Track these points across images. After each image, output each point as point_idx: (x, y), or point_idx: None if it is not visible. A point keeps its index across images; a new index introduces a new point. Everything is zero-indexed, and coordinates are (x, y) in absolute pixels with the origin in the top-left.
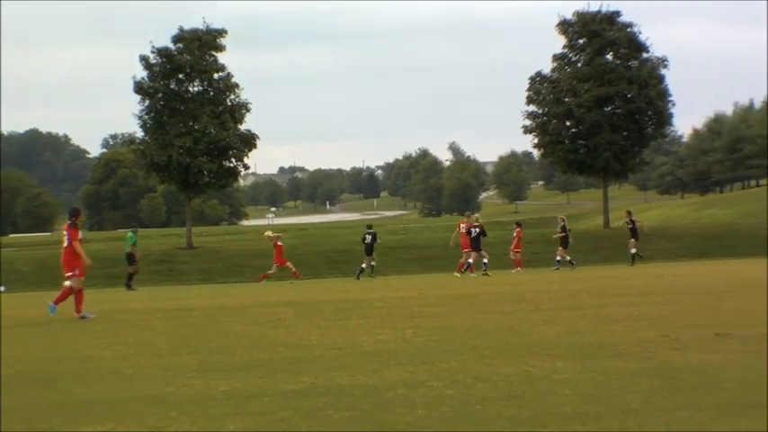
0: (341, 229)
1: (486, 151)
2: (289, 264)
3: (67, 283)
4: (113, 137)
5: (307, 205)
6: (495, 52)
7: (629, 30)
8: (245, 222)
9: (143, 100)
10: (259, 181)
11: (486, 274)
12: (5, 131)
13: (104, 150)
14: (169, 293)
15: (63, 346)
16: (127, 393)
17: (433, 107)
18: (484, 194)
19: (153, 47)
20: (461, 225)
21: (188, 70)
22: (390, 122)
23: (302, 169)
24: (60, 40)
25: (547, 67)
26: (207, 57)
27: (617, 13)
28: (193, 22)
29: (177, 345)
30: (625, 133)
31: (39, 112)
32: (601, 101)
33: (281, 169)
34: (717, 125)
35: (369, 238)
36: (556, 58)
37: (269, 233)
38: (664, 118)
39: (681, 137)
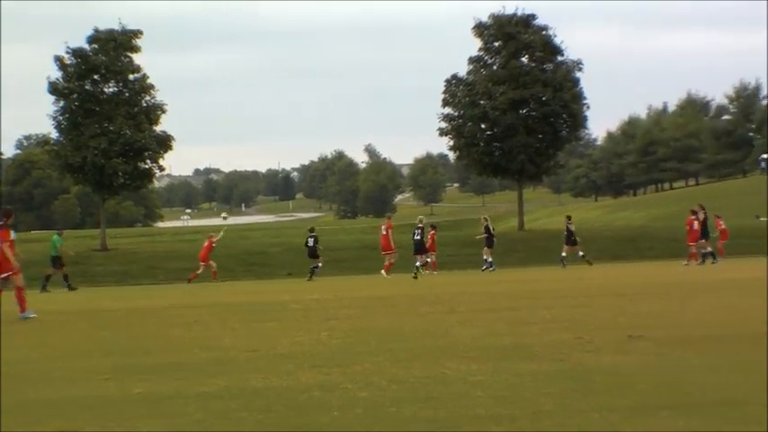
0: (256, 231)
1: (402, 153)
2: (213, 264)
3: (17, 284)
4: (27, 137)
5: (222, 207)
6: (411, 54)
7: (544, 33)
8: (159, 224)
9: (58, 101)
10: (174, 182)
11: (415, 276)
12: None
13: (18, 151)
14: (84, 295)
15: None
16: (35, 396)
17: (348, 109)
18: (399, 197)
19: (68, 47)
20: (383, 227)
21: (103, 71)
22: (306, 124)
23: (217, 171)
24: None
25: (462, 69)
26: (122, 58)
27: (532, 17)
28: (109, 22)
29: (91, 347)
30: (540, 136)
31: None
32: (516, 103)
33: (197, 171)
34: (630, 128)
35: (311, 241)
36: (471, 60)
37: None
38: (578, 121)
39: (595, 140)
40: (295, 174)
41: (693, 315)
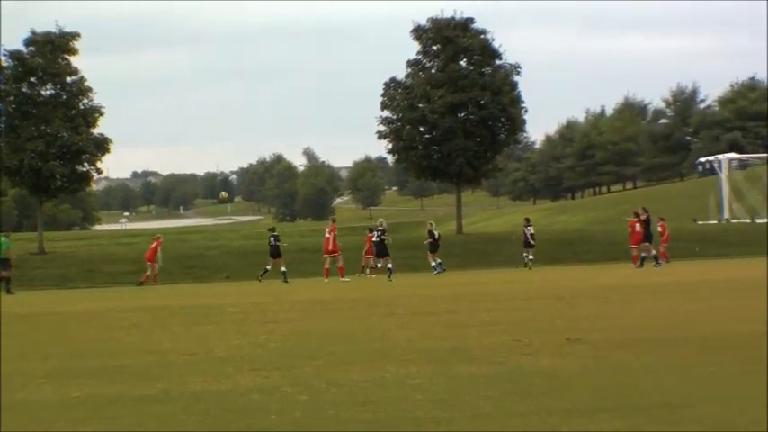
0: (194, 234)
1: (341, 156)
2: (155, 266)
3: None
4: None
5: (160, 210)
6: (350, 56)
7: (482, 36)
8: (97, 227)
9: None
10: (112, 185)
11: (390, 278)
12: None
13: None
14: (21, 299)
15: None
16: None
17: (287, 111)
18: (338, 200)
19: (5, 50)
20: (327, 230)
21: (40, 74)
22: (245, 127)
23: (156, 174)
24: None
25: (401, 72)
26: (60, 60)
27: (471, 20)
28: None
29: (28, 350)
30: (478, 139)
31: None
32: (454, 107)
33: (135, 174)
34: (569, 132)
35: (272, 240)
36: (410, 63)
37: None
38: (516, 124)
39: (533, 143)
40: (233, 177)
41: (631, 318)
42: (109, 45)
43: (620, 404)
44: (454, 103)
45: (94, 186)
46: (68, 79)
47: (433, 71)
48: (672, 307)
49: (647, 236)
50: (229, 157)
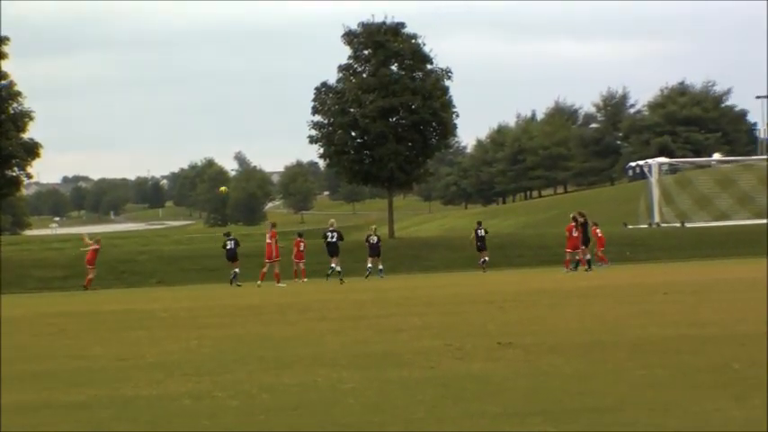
0: (125, 239)
1: (272, 161)
2: (90, 270)
3: None
4: None
5: (91, 215)
6: (280, 61)
7: (413, 41)
8: (27, 232)
9: None
10: (42, 190)
11: (342, 281)
12: None
13: None
14: None
15: None
16: None
17: (218, 116)
18: (270, 204)
19: None
20: (267, 235)
21: None
22: (176, 131)
23: (86, 179)
24: None
25: (332, 77)
26: None
27: (402, 25)
28: None
29: None
30: (410, 144)
31: None
32: (386, 111)
33: (65, 179)
34: (500, 136)
35: (230, 244)
36: (341, 68)
37: (86, 241)
38: (448, 129)
39: (465, 148)
40: (165, 181)
41: (563, 322)
42: (36, 49)
43: (551, 408)
44: (385, 108)
45: (24, 191)
46: None
47: (364, 76)
48: (603, 311)
49: (585, 240)
50: (160, 162)
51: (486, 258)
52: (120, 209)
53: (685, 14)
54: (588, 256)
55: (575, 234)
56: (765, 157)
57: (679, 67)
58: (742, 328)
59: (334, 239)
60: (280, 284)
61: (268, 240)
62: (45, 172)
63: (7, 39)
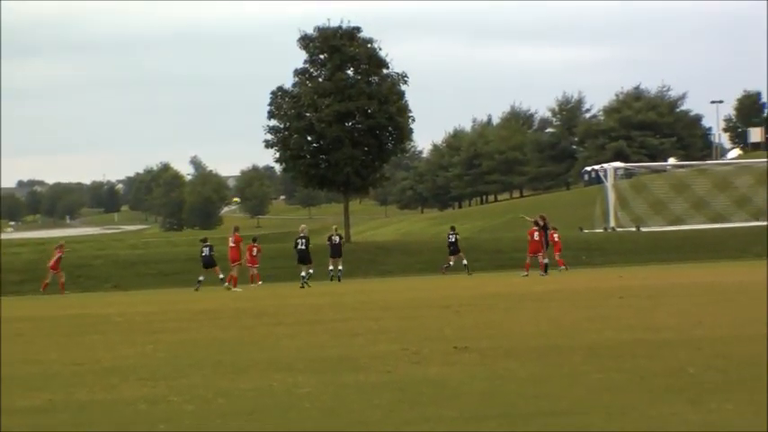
0: (81, 243)
1: (228, 165)
2: (49, 275)
3: None
4: None
5: (46, 219)
6: (235, 65)
7: (369, 46)
8: None
9: None
10: None
11: (302, 286)
12: None
13: None
14: None
15: None
16: None
17: (174, 120)
18: (226, 209)
19: None
20: (230, 239)
21: None
22: (131, 135)
23: (41, 183)
24: None
25: (288, 81)
26: None
27: (358, 29)
28: None
29: None
30: (366, 148)
31: None
32: (342, 116)
33: (20, 183)
34: (456, 141)
35: (206, 250)
36: (297, 72)
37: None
38: (404, 133)
39: (421, 152)
40: (120, 186)
41: (519, 326)
42: None
43: (507, 411)
44: (341, 112)
45: None
46: None
47: (320, 80)
48: (559, 315)
49: (545, 244)
50: (116, 166)
51: (451, 263)
52: (75, 213)
53: (641, 20)
54: (546, 261)
55: (536, 238)
56: (720, 161)
57: (634, 73)
58: (698, 333)
59: (304, 247)
60: (235, 288)
61: (231, 244)
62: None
63: None
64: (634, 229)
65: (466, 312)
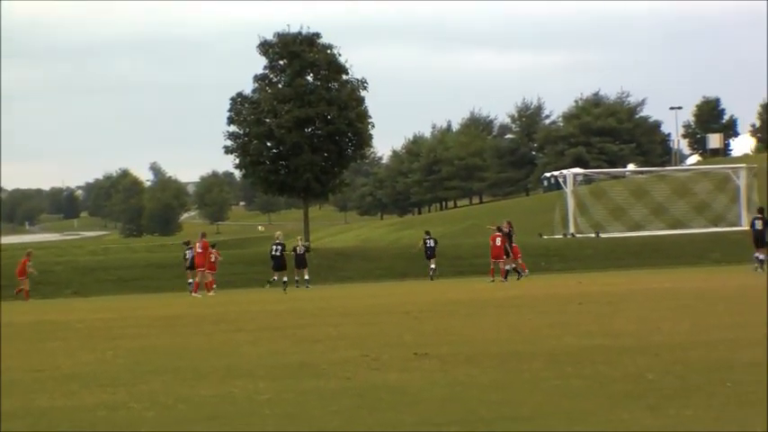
0: (40, 249)
1: (188, 172)
2: (25, 281)
3: None
4: None
5: (5, 225)
6: (195, 70)
7: (329, 52)
8: None
9: None
10: None
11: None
12: None
13: None
14: None
15: None
16: None
17: (133, 126)
18: (185, 215)
19: None
20: (197, 245)
21: None
22: (90, 141)
23: (0, 189)
24: None
25: (248, 87)
26: None
27: (317, 35)
28: None
29: None
30: (325, 154)
31: None
32: (301, 122)
33: None
34: (415, 147)
35: (189, 253)
36: (257, 78)
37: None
38: (363, 139)
39: (380, 158)
40: (80, 192)
41: (479, 333)
42: None
43: (467, 418)
44: (301, 118)
45: None
46: None
47: (279, 86)
48: (519, 321)
49: (510, 249)
50: (75, 172)
51: (433, 265)
52: (35, 219)
53: (600, 26)
54: (508, 267)
55: (497, 243)
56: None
57: (594, 79)
58: (656, 339)
59: (279, 253)
60: (195, 294)
61: (199, 250)
62: None
63: None
64: (593, 235)
65: (426, 318)
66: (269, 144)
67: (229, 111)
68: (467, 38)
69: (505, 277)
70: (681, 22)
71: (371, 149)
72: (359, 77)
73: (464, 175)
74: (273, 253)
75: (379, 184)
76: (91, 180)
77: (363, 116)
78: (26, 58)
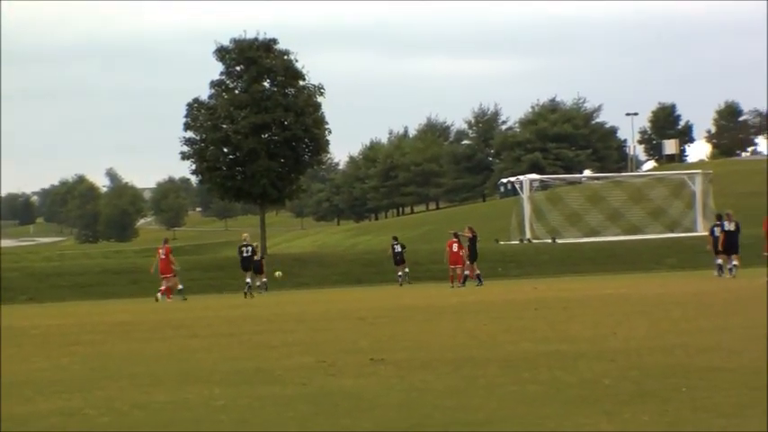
0: None
1: (144, 177)
2: None
3: None
4: None
5: None
6: (150, 76)
7: (286, 57)
8: None
9: None
10: None
11: (252, 295)
12: None
13: None
14: None
15: None
16: None
17: (89, 132)
18: (142, 221)
19: None
20: (160, 251)
21: None
22: (45, 147)
23: None
24: None
25: (204, 93)
26: None
27: (274, 41)
28: None
29: None
30: (282, 160)
31: None
32: (258, 128)
33: None
34: (372, 153)
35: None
36: (213, 84)
37: None
38: (320, 145)
39: (337, 164)
40: (35, 198)
41: (435, 338)
42: None
43: (423, 423)
44: (258, 124)
45: None
46: None
47: (236, 92)
48: (475, 327)
49: (474, 255)
50: (31, 178)
51: (407, 270)
52: None
53: (556, 31)
54: (467, 272)
55: (455, 250)
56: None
57: (550, 85)
58: (612, 344)
59: (250, 254)
60: (169, 299)
61: (162, 256)
62: None
63: None
64: (550, 240)
65: (382, 324)
66: (225, 150)
67: (186, 116)
68: (423, 43)
69: (463, 283)
70: (637, 28)
71: (328, 155)
72: (316, 83)
73: (421, 180)
74: (244, 255)
75: (335, 189)
76: (47, 186)
77: (320, 122)
78: None
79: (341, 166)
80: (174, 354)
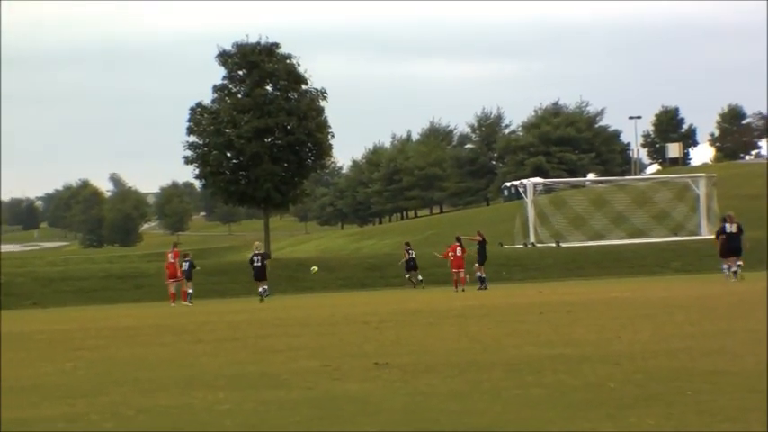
0: None
1: (148, 182)
2: None
3: None
4: None
5: None
6: (154, 80)
7: (288, 61)
8: None
9: None
10: None
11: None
12: None
13: None
14: None
15: None
16: None
17: (93, 136)
18: (146, 225)
19: None
20: (169, 255)
21: None
22: (50, 152)
23: None
24: None
25: (207, 97)
26: None
27: (276, 45)
28: None
29: None
30: (285, 164)
31: None
32: (261, 132)
33: None
34: (375, 157)
35: (185, 265)
36: (216, 88)
37: None
38: (323, 149)
39: (341, 168)
40: (39, 203)
41: (440, 342)
42: None
43: (427, 427)
44: (261, 128)
45: None
46: None
47: (239, 96)
48: (479, 331)
49: (482, 257)
50: (35, 183)
51: (420, 278)
52: None
53: (559, 35)
54: (479, 274)
55: (458, 254)
56: (639, 176)
57: (553, 88)
58: (617, 348)
59: (260, 263)
60: (185, 303)
61: (171, 260)
62: None
63: None
64: (554, 244)
65: (386, 328)
66: (229, 154)
67: (189, 121)
68: (426, 47)
69: (457, 287)
70: (640, 31)
71: (331, 159)
72: (318, 87)
73: (424, 184)
74: (255, 264)
75: (339, 194)
76: (51, 191)
77: (323, 126)
78: None
79: (344, 171)
80: (179, 358)
